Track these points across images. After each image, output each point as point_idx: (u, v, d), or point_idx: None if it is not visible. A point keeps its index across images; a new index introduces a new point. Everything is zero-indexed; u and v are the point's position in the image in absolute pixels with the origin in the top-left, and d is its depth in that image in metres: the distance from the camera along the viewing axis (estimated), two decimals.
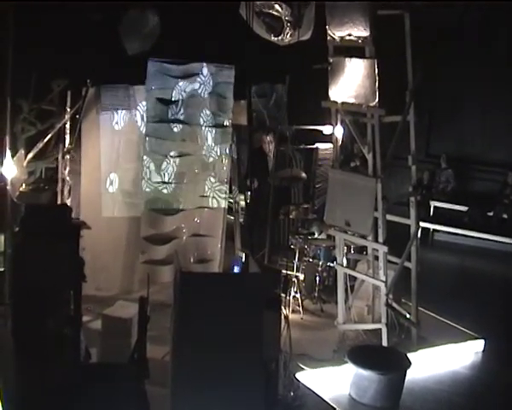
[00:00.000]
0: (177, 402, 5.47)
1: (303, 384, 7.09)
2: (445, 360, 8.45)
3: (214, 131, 9.50)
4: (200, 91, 9.31)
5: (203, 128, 9.41)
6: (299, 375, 7.22)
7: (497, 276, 13.11)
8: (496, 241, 14.49)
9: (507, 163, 15.49)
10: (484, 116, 15.83)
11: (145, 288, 5.59)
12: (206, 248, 9.67)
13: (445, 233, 15.00)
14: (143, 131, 9.13)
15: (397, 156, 8.20)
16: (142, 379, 5.35)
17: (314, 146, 11.74)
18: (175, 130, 9.24)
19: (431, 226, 14.92)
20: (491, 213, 15.28)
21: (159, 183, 9.28)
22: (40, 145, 8.94)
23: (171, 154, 9.28)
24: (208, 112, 9.44)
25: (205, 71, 9.29)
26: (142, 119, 9.17)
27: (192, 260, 9.39)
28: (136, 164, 9.30)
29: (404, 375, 7.38)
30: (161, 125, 9.14)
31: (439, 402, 7.51)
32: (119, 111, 9.20)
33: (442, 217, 15.25)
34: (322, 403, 6.95)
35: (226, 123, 9.57)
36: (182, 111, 9.27)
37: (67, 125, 9.00)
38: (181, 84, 9.16)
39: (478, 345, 8.91)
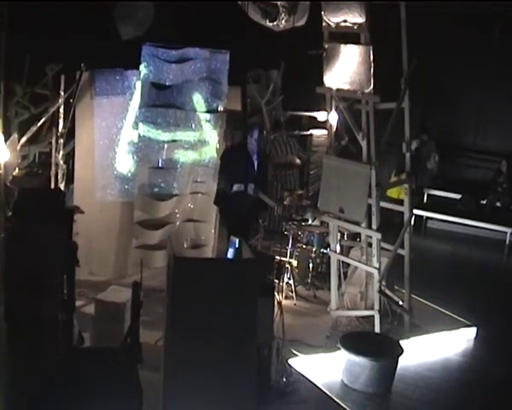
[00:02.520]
0: (169, 387, 5.48)
1: (295, 370, 7.12)
2: (437, 347, 8.48)
3: (208, 117, 9.47)
4: (194, 76, 9.27)
5: (197, 113, 9.38)
6: (291, 361, 7.24)
7: (489, 264, 13.16)
8: (489, 229, 14.53)
9: (500, 151, 15.52)
10: (478, 104, 15.84)
11: (138, 273, 5.58)
12: (200, 233, 9.68)
13: (438, 221, 15.03)
14: (137, 116, 9.10)
15: (391, 143, 8.20)
16: (134, 364, 5.34)
17: (308, 132, 11.74)
18: (169, 115, 9.21)
19: (424, 214, 14.95)
20: (484, 201, 15.33)
21: (152, 168, 9.27)
22: (34, 129, 8.91)
23: (165, 139, 9.25)
24: (202, 97, 9.41)
25: (199, 56, 9.25)
26: (136, 103, 9.13)
27: (185, 245, 9.38)
28: (129, 149, 9.28)
29: (397, 361, 7.41)
30: (155, 109, 9.11)
31: (431, 389, 7.54)
32: (113, 96, 9.16)
33: (435, 204, 15.29)
34: (314, 389, 6.97)
35: (220, 108, 9.54)
36: (176, 96, 9.23)
37: (61, 110, 8.96)
38: (175, 68, 9.12)
39: (470, 332, 8.94)
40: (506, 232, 14.36)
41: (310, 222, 10.19)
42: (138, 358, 5.40)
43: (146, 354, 5.58)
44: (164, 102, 9.20)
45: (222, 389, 5.41)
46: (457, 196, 15.85)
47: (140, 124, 9.05)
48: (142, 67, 8.92)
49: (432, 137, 15.58)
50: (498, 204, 15.22)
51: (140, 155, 9.15)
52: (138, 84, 9.05)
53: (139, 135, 9.08)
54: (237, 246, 6.10)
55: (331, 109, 8.64)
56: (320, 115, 11.00)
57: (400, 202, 8.84)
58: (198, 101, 9.42)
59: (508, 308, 10.33)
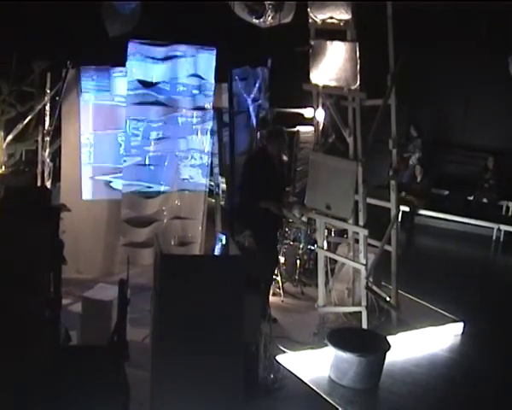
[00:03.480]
0: (157, 385, 5.48)
1: (283, 367, 7.11)
2: (424, 343, 8.51)
3: (195, 114, 9.46)
4: (180, 74, 9.27)
5: (184, 110, 9.38)
6: (279, 357, 7.24)
7: (476, 259, 13.24)
8: (476, 225, 14.63)
9: (487, 148, 15.60)
10: (465, 101, 15.92)
11: (126, 270, 5.57)
12: (187, 230, 9.67)
13: (425, 217, 15.10)
14: (124, 114, 9.08)
15: (378, 140, 8.21)
16: (121, 362, 5.33)
17: (295, 129, 11.75)
18: (155, 112, 9.21)
19: (406, 209, 14.99)
20: (471, 198, 15.41)
21: (139, 165, 9.26)
22: (20, 127, 8.89)
23: (152, 136, 9.25)
24: (189, 94, 9.40)
25: (186, 53, 9.24)
26: (123, 101, 9.11)
27: (173, 242, 9.31)
28: (116, 147, 9.26)
29: (384, 357, 7.43)
30: (142, 107, 9.10)
31: (418, 384, 7.57)
32: (100, 93, 9.14)
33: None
34: (302, 385, 6.97)
35: (207, 105, 9.54)
36: (162, 93, 9.22)
37: (47, 108, 8.93)
38: (162, 65, 9.11)
39: (457, 328, 8.98)
40: (493, 228, 14.49)
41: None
42: (125, 355, 5.38)
43: (133, 351, 5.56)
44: (150, 100, 9.19)
45: (209, 385, 5.41)
46: (445, 192, 15.94)
47: (127, 121, 9.04)
48: (128, 64, 8.90)
49: (420, 134, 15.65)
50: (485, 200, 15.32)
51: (127, 153, 9.13)
52: (125, 82, 9.02)
53: (126, 132, 9.07)
54: (224, 243, 6.10)
55: (318, 106, 8.64)
56: (307, 112, 11.02)
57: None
58: (185, 98, 9.40)
59: (494, 304, 10.40)
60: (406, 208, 14.60)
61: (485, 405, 7.38)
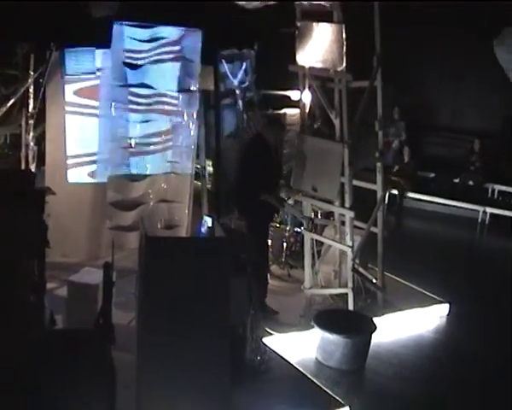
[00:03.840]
0: (143, 368, 5.47)
1: (270, 349, 7.11)
2: (410, 324, 8.55)
3: (181, 96, 9.40)
4: (166, 56, 9.19)
5: (170, 93, 9.32)
6: (266, 339, 7.24)
7: (462, 242, 13.28)
8: (462, 207, 14.67)
9: (473, 130, 15.63)
10: (452, 84, 15.92)
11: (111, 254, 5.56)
12: (174, 213, 9.62)
13: (411, 199, 15.12)
14: (109, 96, 9.01)
15: (364, 122, 8.20)
16: (107, 345, 5.31)
17: (282, 111, 11.71)
18: (141, 95, 9.14)
19: (396, 192, 15.02)
20: (457, 180, 15.45)
21: (125, 148, 9.20)
22: (3, 110, 8.80)
23: (138, 119, 9.19)
24: (175, 76, 9.34)
25: (171, 34, 9.17)
26: (108, 83, 9.04)
27: (159, 225, 9.33)
28: (101, 129, 9.19)
29: (370, 339, 7.46)
30: (127, 89, 9.03)
31: (404, 365, 7.61)
32: (84, 75, 9.07)
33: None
34: (288, 367, 6.98)
35: (193, 88, 9.48)
36: (148, 75, 9.15)
37: (31, 90, 8.85)
38: (147, 47, 9.04)
39: (443, 309, 9.03)
40: (478, 211, 14.54)
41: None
42: (111, 339, 5.37)
43: (119, 334, 5.56)
44: (136, 82, 9.12)
45: (195, 368, 5.40)
46: (431, 175, 15.97)
47: (112, 103, 8.97)
48: (113, 46, 8.82)
49: (403, 117, 15.63)
50: (471, 183, 15.36)
51: (112, 136, 9.07)
52: (110, 64, 8.95)
53: (111, 115, 9.01)
54: (210, 225, 6.08)
55: (304, 88, 8.62)
56: (293, 94, 10.98)
57: None
58: (170, 80, 9.33)
59: (480, 285, 10.45)
60: (395, 191, 14.65)
61: (471, 385, 7.43)
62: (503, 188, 15.34)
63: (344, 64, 7.84)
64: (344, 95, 8.03)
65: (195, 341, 5.38)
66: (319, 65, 8.12)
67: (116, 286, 6.04)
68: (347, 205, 8.17)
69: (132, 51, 8.97)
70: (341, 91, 8.08)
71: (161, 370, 5.34)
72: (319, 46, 8.04)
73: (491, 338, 8.59)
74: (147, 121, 9.23)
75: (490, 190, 15.55)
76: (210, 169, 10.22)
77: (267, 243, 8.39)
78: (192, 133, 9.56)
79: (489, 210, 14.49)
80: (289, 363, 7.05)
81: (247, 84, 10.91)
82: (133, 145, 9.22)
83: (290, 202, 9.61)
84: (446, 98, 16.18)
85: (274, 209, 8.51)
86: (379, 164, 8.52)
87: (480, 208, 14.54)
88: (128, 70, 9.00)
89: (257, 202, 7.95)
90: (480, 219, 14.49)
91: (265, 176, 7.98)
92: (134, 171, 9.29)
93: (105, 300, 5.39)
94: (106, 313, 5.36)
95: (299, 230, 9.62)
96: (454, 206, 14.77)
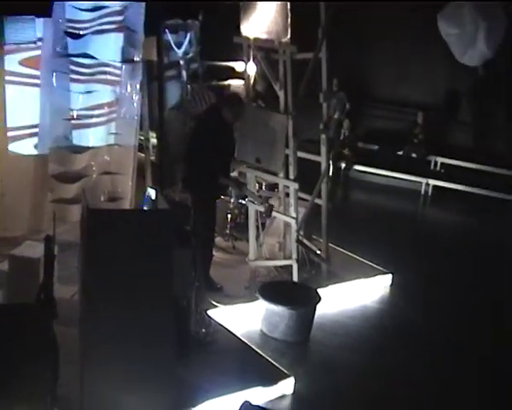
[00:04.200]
0: (87, 342, 5.41)
1: (215, 321, 7.12)
2: (354, 295, 8.64)
3: (124, 67, 9.25)
4: (109, 25, 9.03)
5: (112, 63, 9.16)
6: (210, 312, 7.25)
7: (405, 213, 13.50)
8: (405, 179, 14.87)
9: (417, 103, 15.81)
10: (395, 56, 16.04)
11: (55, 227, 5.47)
12: (117, 186, 9.50)
13: (356, 171, 15.26)
14: (50, 66, 8.83)
15: (309, 94, 8.20)
16: (50, 320, 5.24)
17: (226, 83, 11.65)
18: (83, 65, 8.97)
19: (342, 164, 15.15)
20: (400, 153, 15.64)
21: (67, 120, 9.04)
22: None
23: (80, 90, 9.02)
24: (118, 47, 9.18)
25: (114, 4, 8.99)
26: (49, 53, 8.85)
27: (103, 198, 9.22)
28: (43, 100, 9.01)
29: (315, 310, 7.52)
30: (69, 59, 8.85)
31: (349, 335, 7.70)
32: (25, 45, 8.85)
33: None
34: (233, 339, 7.00)
35: (136, 58, 9.33)
36: (90, 45, 8.98)
37: None
38: (89, 17, 8.85)
39: (386, 279, 9.14)
40: (421, 183, 14.75)
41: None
42: (53, 313, 5.30)
43: (62, 309, 5.49)
44: (78, 52, 8.93)
45: (140, 340, 5.35)
46: (375, 147, 16.13)
47: (54, 74, 8.78)
48: (54, 15, 8.62)
49: (342, 88, 15.67)
50: (414, 155, 15.56)
51: (54, 107, 8.89)
52: (51, 33, 8.75)
53: (52, 86, 8.82)
54: (154, 197, 6.03)
55: (249, 59, 8.57)
56: (238, 65, 10.91)
57: None
58: (113, 50, 9.17)
59: (422, 255, 10.62)
60: (342, 164, 14.83)
61: (417, 352, 7.57)
62: (446, 160, 15.60)
63: (288, 35, 7.82)
64: (288, 66, 8.01)
65: (139, 314, 5.33)
66: (264, 36, 8.08)
67: (58, 260, 5.97)
68: (292, 177, 8.18)
69: (74, 21, 8.76)
70: (286, 63, 8.06)
71: (105, 344, 5.28)
72: (264, 17, 8.00)
73: (433, 306, 8.77)
74: (89, 92, 9.06)
75: (433, 163, 15.79)
76: (154, 141, 10.11)
77: (214, 216, 8.31)
78: (135, 105, 9.41)
79: (431, 182, 14.72)
80: (234, 335, 7.06)
81: (191, 55, 10.79)
82: (75, 117, 9.06)
83: (235, 173, 9.62)
84: (389, 71, 16.30)
85: (224, 188, 8.45)
86: (323, 136, 8.55)
87: (423, 180, 14.76)
88: (70, 40, 8.79)
89: (208, 178, 7.85)
90: (423, 191, 14.71)
91: (220, 154, 7.86)
92: (76, 143, 9.13)
93: (46, 273, 5.31)
94: (47, 286, 5.28)
95: (243, 202, 9.61)
96: (398, 178, 14.96)
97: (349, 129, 15.34)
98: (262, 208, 8.34)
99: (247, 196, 8.90)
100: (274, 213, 8.62)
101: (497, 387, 7.08)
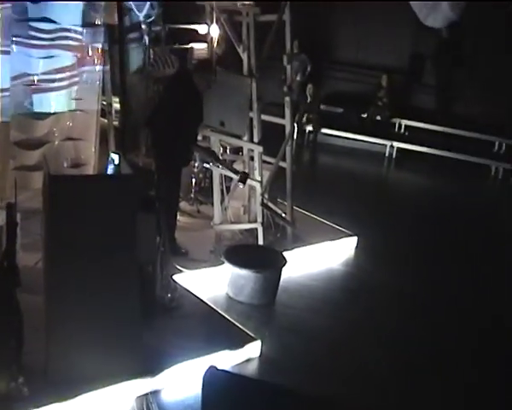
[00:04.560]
0: (51, 309, 5.38)
1: (180, 286, 7.12)
2: (320, 258, 8.69)
3: (85, 31, 9.11)
4: None
5: (73, 27, 9.01)
6: (176, 276, 7.24)
7: (370, 176, 13.57)
8: (370, 142, 14.93)
9: (381, 66, 15.82)
10: (358, 19, 16.00)
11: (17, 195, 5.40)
12: (80, 152, 9.39)
13: (320, 134, 15.27)
14: (9, 31, 8.66)
15: (273, 56, 8.17)
16: (13, 287, 5.19)
17: (189, 46, 11.55)
18: (44, 29, 8.81)
19: (307, 128, 15.15)
20: (365, 115, 15.67)
21: (28, 85, 8.89)
22: None
23: (41, 55, 8.87)
24: (79, 10, 9.03)
25: None
26: (8, 17, 8.67)
27: (65, 164, 9.12)
28: (2, 66, 8.85)
29: (280, 273, 7.55)
30: (29, 24, 8.68)
31: (315, 298, 7.76)
32: None
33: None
34: (199, 303, 7.01)
35: (98, 22, 9.20)
36: (50, 9, 8.81)
37: None
38: None
39: (351, 242, 9.21)
40: (386, 145, 14.83)
41: None
42: (16, 281, 5.25)
43: (26, 276, 5.44)
44: (38, 16, 8.77)
45: (105, 307, 5.35)
46: (339, 110, 16.13)
47: (13, 38, 8.62)
48: None
49: (303, 50, 15.60)
50: (379, 118, 15.61)
51: (14, 73, 8.73)
52: None
53: (12, 51, 8.66)
54: (117, 163, 5.98)
55: (212, 22, 8.51)
56: (201, 28, 10.82)
57: None
58: (74, 15, 9.02)
59: (386, 218, 10.71)
60: (308, 127, 14.85)
61: (381, 313, 7.67)
62: (410, 123, 15.68)
63: None
64: (252, 29, 7.96)
65: (104, 280, 5.32)
66: None
67: (21, 227, 5.90)
68: (256, 140, 8.17)
69: None
70: (249, 25, 8.00)
71: (70, 311, 5.27)
72: None
73: (397, 268, 8.86)
74: (50, 57, 8.90)
75: (397, 125, 15.86)
76: (116, 106, 9.99)
77: (179, 181, 8.25)
78: (97, 69, 9.30)
79: (396, 144, 14.81)
80: (200, 299, 7.07)
81: (153, 18, 10.66)
82: (36, 82, 8.92)
83: (199, 137, 9.56)
84: (352, 33, 16.26)
85: (191, 154, 8.39)
86: (287, 98, 8.53)
87: (388, 143, 14.84)
88: (29, 4, 8.62)
89: (177, 145, 7.74)
90: (387, 154, 14.79)
91: (190, 120, 7.79)
92: (38, 109, 9.00)
93: (9, 241, 5.24)
94: (10, 254, 5.22)
95: (207, 166, 9.57)
96: (362, 140, 15.01)
97: (313, 93, 15.31)
98: (236, 176, 8.26)
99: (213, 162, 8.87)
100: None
101: (457, 340, 7.22)
